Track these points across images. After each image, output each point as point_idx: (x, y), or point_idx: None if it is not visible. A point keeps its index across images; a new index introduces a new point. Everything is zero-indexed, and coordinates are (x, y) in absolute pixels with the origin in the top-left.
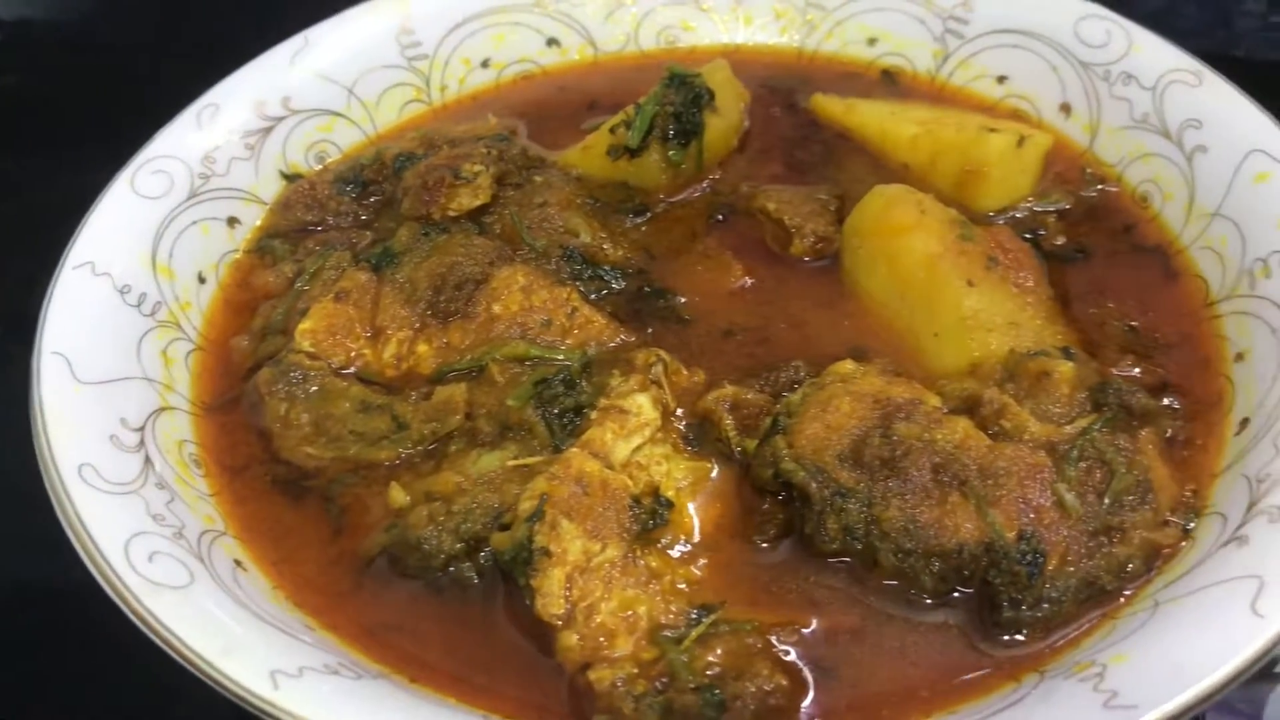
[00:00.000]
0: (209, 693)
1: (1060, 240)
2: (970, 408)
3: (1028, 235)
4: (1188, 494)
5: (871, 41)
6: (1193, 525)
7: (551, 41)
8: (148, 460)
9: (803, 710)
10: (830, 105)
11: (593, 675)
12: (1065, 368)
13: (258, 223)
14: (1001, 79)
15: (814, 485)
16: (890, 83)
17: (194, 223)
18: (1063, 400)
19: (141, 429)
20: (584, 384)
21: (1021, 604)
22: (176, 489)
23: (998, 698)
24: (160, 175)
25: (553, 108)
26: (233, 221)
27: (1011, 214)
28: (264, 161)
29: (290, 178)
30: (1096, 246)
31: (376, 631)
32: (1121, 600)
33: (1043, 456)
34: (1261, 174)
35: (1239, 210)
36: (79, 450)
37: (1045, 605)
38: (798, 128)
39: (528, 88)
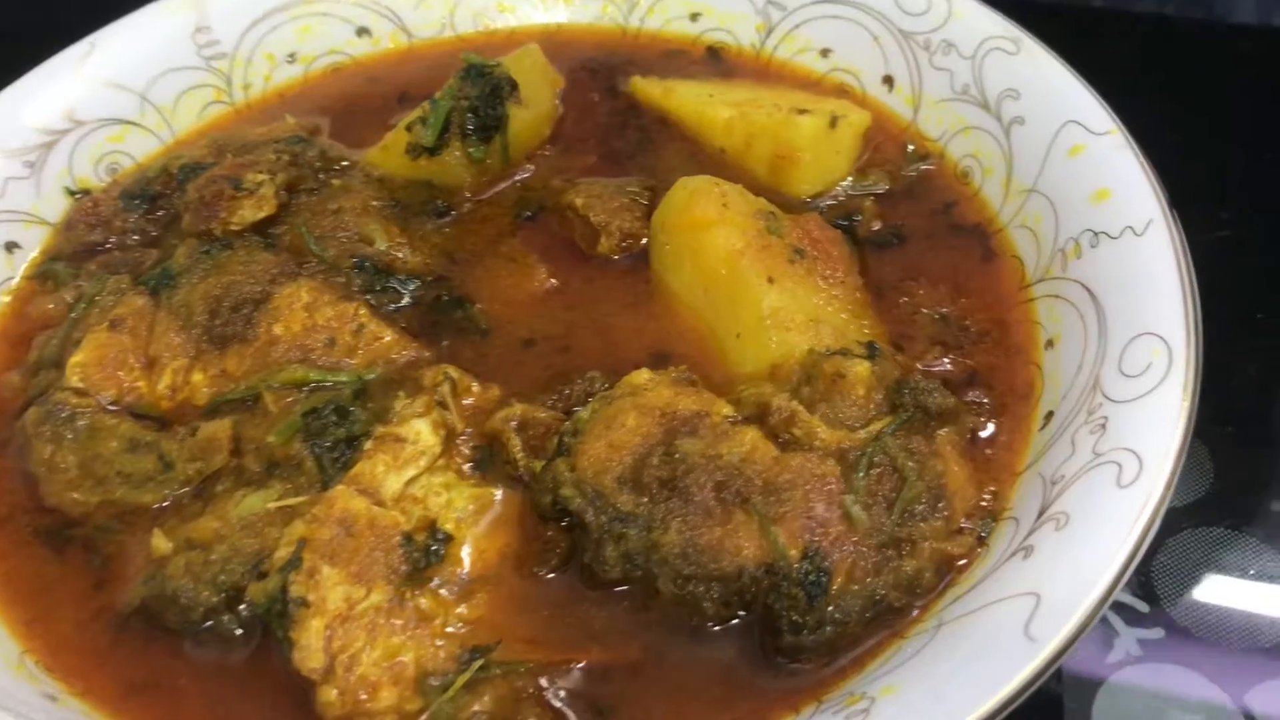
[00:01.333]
0: None
1: (876, 225)
2: (759, 415)
3: (841, 221)
4: (986, 498)
5: (694, 17)
6: (987, 533)
7: (362, 31)
8: None
9: None
10: (649, 89)
11: None
12: (861, 368)
13: (40, 244)
14: (825, 52)
15: (590, 512)
16: (715, 60)
17: None
18: (859, 402)
19: None
20: (358, 411)
21: (803, 628)
22: None
23: None
24: None
25: (361, 101)
26: (11, 247)
27: (828, 199)
28: (45, 179)
29: (76, 194)
30: (915, 229)
31: (134, 692)
32: (914, 615)
33: (831, 465)
34: (1075, 147)
35: (1053, 186)
36: None
37: (828, 628)
38: (616, 113)
39: (337, 81)
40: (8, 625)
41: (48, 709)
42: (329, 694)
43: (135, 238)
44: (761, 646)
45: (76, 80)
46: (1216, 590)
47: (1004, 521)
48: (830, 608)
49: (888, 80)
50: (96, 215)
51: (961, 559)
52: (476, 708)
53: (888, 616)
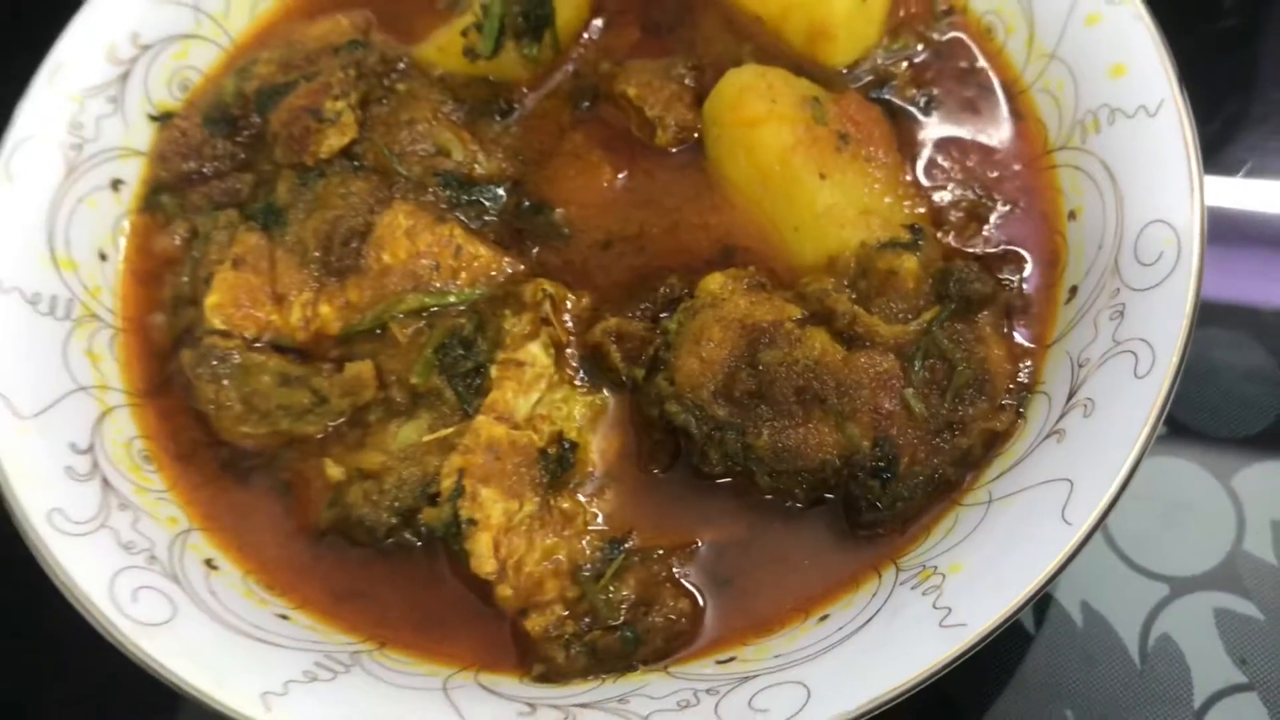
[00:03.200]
0: None
1: (911, 92)
2: (825, 317)
3: (876, 94)
4: (1023, 373)
5: None
6: (1024, 406)
7: None
8: (105, 482)
9: (705, 626)
10: None
11: (529, 624)
12: (910, 263)
13: (140, 176)
14: None
15: (693, 423)
16: None
17: (80, 200)
18: (909, 295)
19: (90, 448)
20: (480, 341)
21: (878, 505)
22: (136, 501)
23: (863, 599)
24: (31, 160)
25: None
26: (116, 184)
27: (864, 67)
28: (129, 110)
29: (159, 118)
30: (945, 92)
31: (343, 599)
32: (966, 484)
33: (892, 361)
34: (1092, 15)
35: (1073, 53)
36: (44, 495)
37: (898, 503)
38: None
39: None
40: (224, 550)
41: (283, 628)
42: (505, 591)
43: (227, 162)
44: (845, 522)
45: (131, 3)
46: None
47: (1038, 395)
48: (900, 486)
49: None
50: (186, 144)
51: (1004, 432)
52: (625, 592)
53: (945, 488)
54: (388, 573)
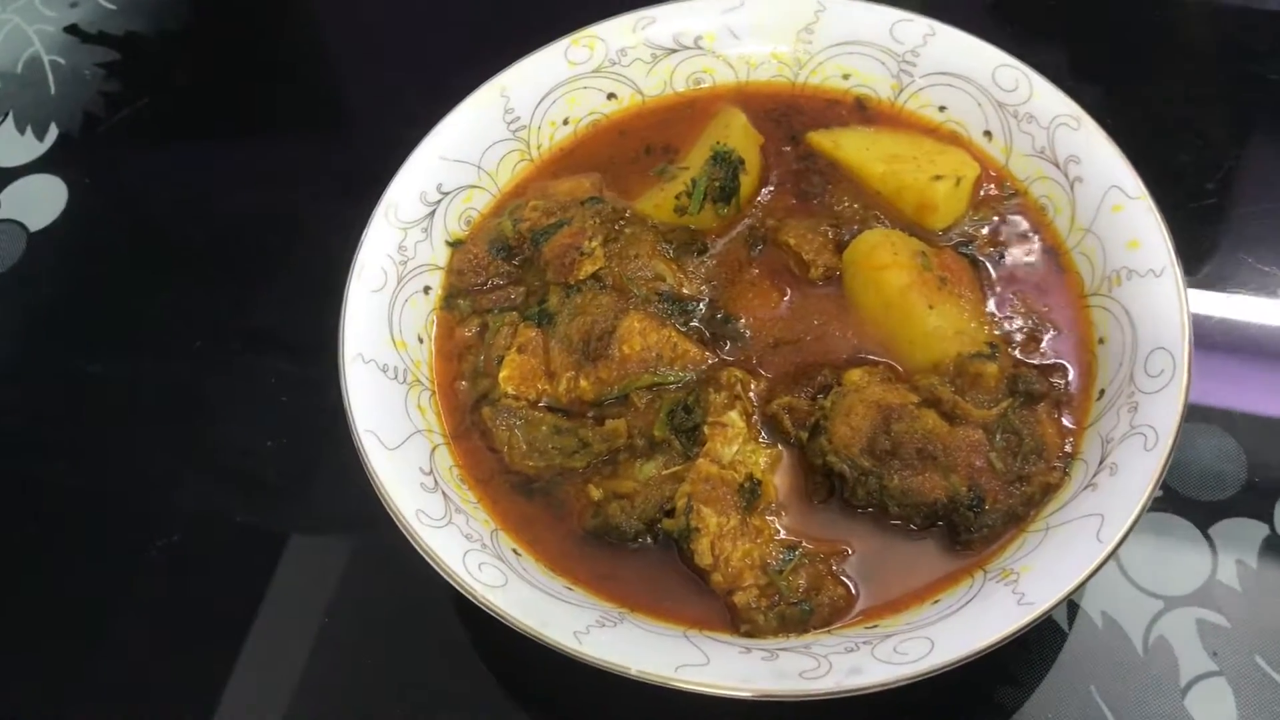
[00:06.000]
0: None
1: (988, 250)
2: (934, 402)
3: (963, 250)
4: (1067, 446)
5: (846, 76)
6: (1069, 469)
7: (610, 95)
8: (444, 495)
9: (855, 608)
10: (822, 141)
11: (734, 599)
12: (992, 368)
13: (439, 285)
14: (942, 108)
15: (848, 469)
16: (862, 108)
17: (406, 300)
18: (990, 390)
19: (431, 471)
20: (697, 409)
21: (973, 530)
22: (465, 509)
23: (963, 589)
24: (376, 272)
25: (619, 151)
26: (427, 290)
27: (954, 231)
28: (435, 237)
29: (453, 244)
30: (1011, 251)
31: (602, 580)
32: (1029, 520)
33: (980, 434)
34: (1116, 205)
35: (1102, 230)
36: (410, 500)
37: (985, 529)
38: (799, 159)
39: (595, 135)
40: (520, 545)
41: (572, 596)
42: (717, 578)
43: (504, 279)
44: (949, 540)
45: (439, 162)
46: None
47: (1078, 462)
48: (985, 517)
49: (987, 133)
50: (476, 263)
51: (1054, 485)
52: (800, 582)
53: (1016, 520)
54: (631, 565)
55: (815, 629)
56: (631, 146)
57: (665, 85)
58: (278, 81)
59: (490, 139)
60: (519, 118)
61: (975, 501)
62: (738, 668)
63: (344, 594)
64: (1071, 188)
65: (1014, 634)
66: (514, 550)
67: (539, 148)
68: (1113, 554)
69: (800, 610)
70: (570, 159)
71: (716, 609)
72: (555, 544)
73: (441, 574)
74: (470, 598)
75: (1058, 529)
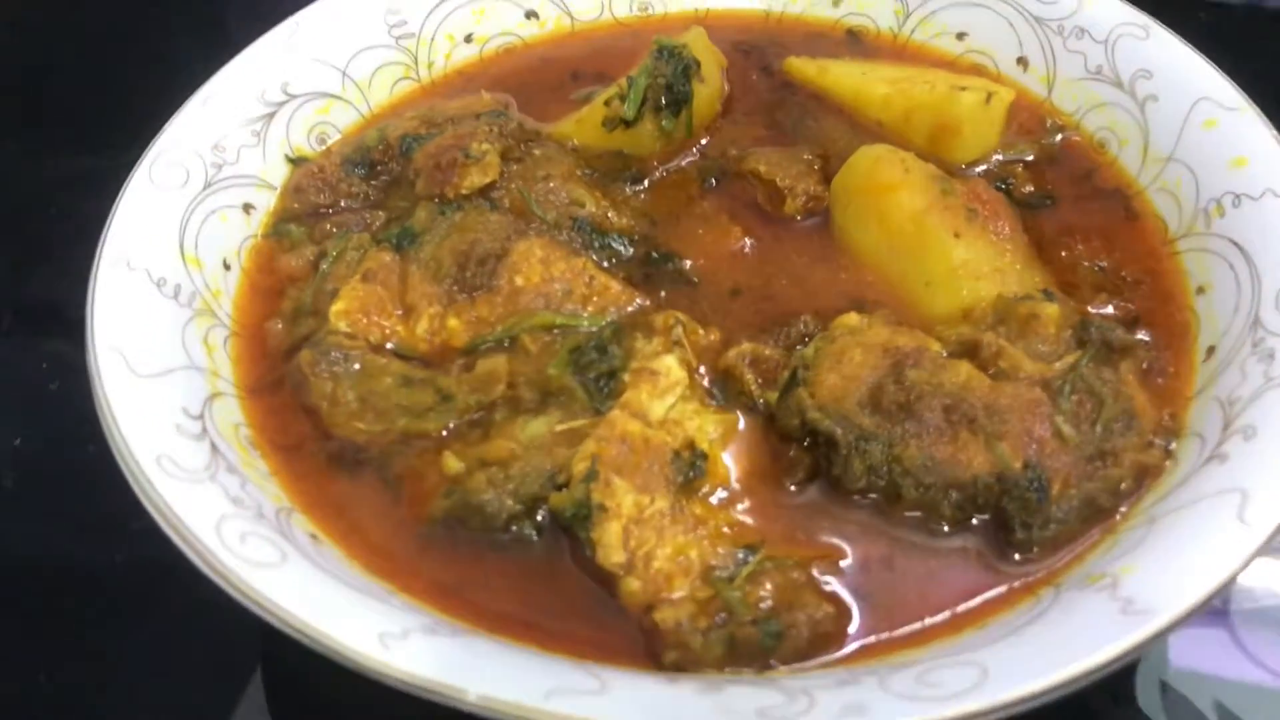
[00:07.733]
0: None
1: (1028, 188)
2: (969, 351)
3: (999, 185)
4: (1166, 418)
5: (835, 2)
6: (1174, 446)
7: (530, 14)
8: (213, 447)
9: (849, 634)
10: (804, 68)
11: (657, 616)
12: (1051, 309)
13: (270, 207)
14: (961, 35)
15: (839, 431)
16: (855, 41)
17: (213, 212)
18: (1050, 339)
19: (201, 416)
20: (615, 349)
21: (1032, 525)
22: (244, 472)
23: (1022, 610)
24: (176, 168)
25: (536, 78)
26: (248, 208)
27: (982, 165)
28: (269, 147)
29: (295, 161)
30: (1061, 192)
31: (451, 590)
32: (1118, 517)
33: (1039, 392)
34: (1210, 120)
35: (1191, 154)
36: (152, 441)
37: (1053, 525)
38: (774, 90)
39: (510, 60)
40: (327, 535)
41: (393, 599)
42: (632, 585)
43: (359, 200)
44: (996, 542)
45: (288, 56)
46: None
47: (1187, 439)
48: (1053, 507)
49: (1022, 61)
50: (323, 180)
51: (1154, 468)
52: (761, 593)
53: (1098, 516)
54: (499, 566)
55: (785, 662)
56: (554, 75)
57: (603, 8)
58: None
59: (363, 42)
60: (405, 22)
61: (1036, 482)
62: (654, 699)
63: None
64: (1143, 109)
65: (1124, 654)
66: (312, 535)
67: (429, 65)
68: (1266, 545)
69: (762, 633)
70: (471, 85)
71: (627, 635)
72: (381, 536)
73: (176, 540)
74: (214, 576)
75: (1169, 517)
